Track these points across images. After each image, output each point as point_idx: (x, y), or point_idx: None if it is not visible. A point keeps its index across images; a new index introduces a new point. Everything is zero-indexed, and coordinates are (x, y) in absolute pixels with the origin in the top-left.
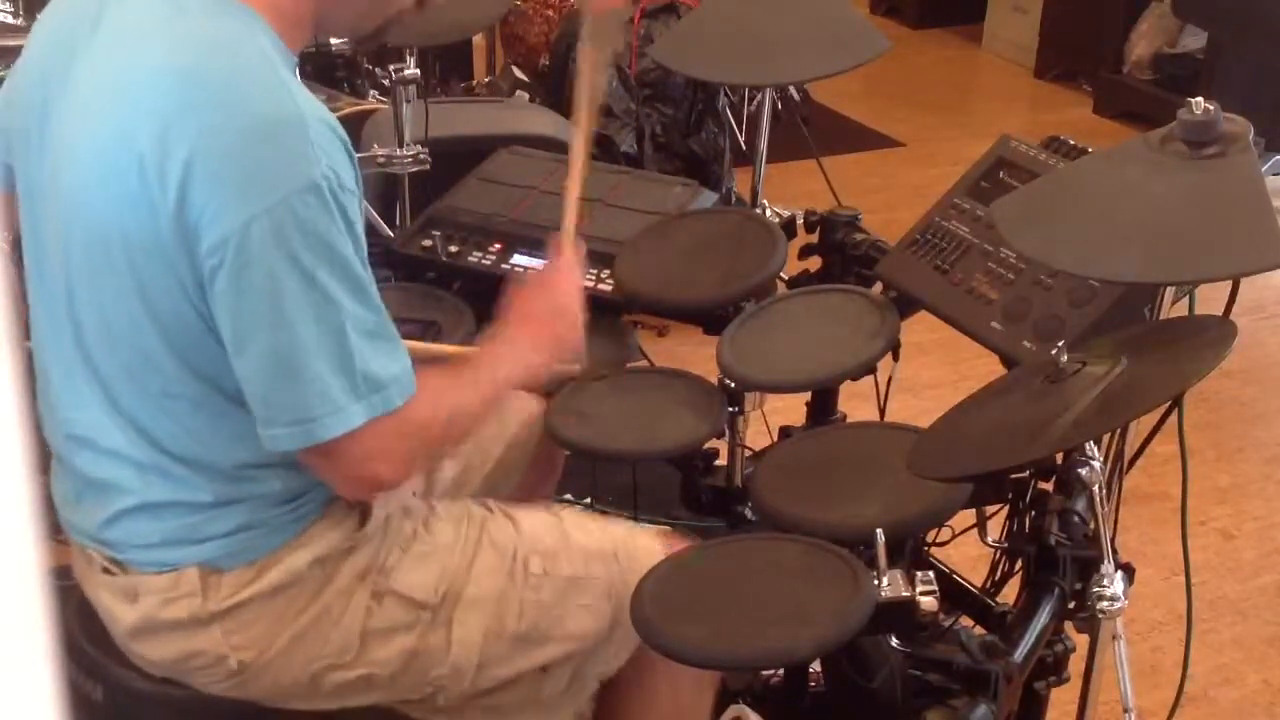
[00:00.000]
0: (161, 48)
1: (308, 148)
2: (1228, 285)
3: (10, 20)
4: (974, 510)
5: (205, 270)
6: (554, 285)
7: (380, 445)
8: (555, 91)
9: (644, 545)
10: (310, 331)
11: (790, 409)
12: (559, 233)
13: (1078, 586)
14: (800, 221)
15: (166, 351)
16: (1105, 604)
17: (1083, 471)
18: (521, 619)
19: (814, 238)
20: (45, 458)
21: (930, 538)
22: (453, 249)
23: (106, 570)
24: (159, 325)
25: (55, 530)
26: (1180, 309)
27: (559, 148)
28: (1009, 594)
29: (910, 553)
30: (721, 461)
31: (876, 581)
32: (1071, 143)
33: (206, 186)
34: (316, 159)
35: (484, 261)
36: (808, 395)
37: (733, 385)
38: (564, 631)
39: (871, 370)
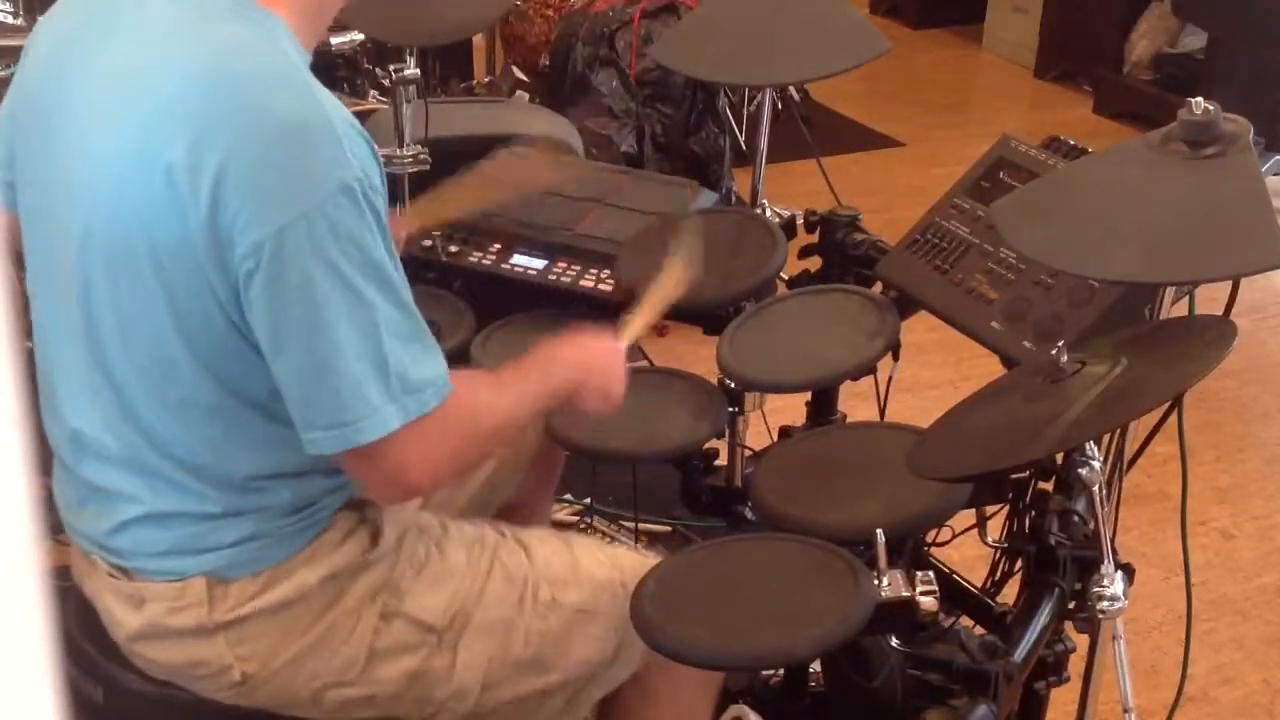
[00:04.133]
0: (186, 52)
1: (339, 151)
2: (1228, 285)
3: (10, 20)
4: (974, 510)
5: (240, 275)
6: (605, 349)
7: (416, 449)
8: (555, 91)
9: None
10: (346, 334)
11: (790, 409)
12: (627, 323)
13: (1078, 586)
14: (800, 221)
15: (189, 357)
16: (1105, 604)
17: (1083, 471)
18: (527, 646)
19: (814, 238)
20: (46, 459)
21: (930, 538)
22: (453, 249)
23: (111, 575)
24: (183, 331)
25: (55, 530)
26: (1180, 309)
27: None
28: (1009, 594)
29: (910, 553)
30: (721, 461)
31: (876, 581)
32: (1071, 143)
33: (240, 192)
34: (348, 162)
35: (484, 261)
36: (808, 395)
37: (733, 385)
38: (568, 660)
39: (871, 370)
